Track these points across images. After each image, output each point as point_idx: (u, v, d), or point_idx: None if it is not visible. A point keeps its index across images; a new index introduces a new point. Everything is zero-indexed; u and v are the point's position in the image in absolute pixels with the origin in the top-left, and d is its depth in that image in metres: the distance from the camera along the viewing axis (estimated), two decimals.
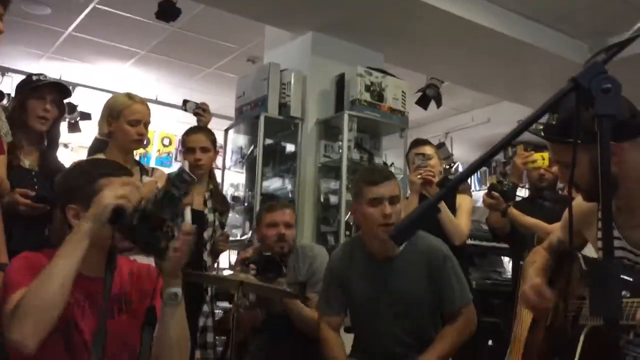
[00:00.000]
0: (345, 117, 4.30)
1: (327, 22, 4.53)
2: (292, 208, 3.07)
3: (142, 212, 1.36)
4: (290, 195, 4.40)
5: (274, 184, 4.57)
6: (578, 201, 1.67)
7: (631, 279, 1.44)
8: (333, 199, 4.33)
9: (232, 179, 5.15)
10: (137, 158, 3.03)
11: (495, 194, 3.23)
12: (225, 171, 4.79)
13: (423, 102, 5.44)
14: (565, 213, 1.90)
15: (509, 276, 3.96)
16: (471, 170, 1.03)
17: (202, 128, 3.40)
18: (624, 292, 1.47)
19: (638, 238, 1.59)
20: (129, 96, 2.76)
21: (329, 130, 4.54)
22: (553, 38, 5.11)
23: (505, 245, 3.81)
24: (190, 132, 3.24)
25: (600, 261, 1.17)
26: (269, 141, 4.56)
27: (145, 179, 2.68)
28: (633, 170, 1.54)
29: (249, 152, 4.62)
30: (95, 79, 6.57)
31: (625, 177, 1.53)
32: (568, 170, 1.53)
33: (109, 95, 3.06)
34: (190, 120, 3.83)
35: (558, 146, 1.62)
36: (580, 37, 5.23)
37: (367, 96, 4.41)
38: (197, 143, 3.12)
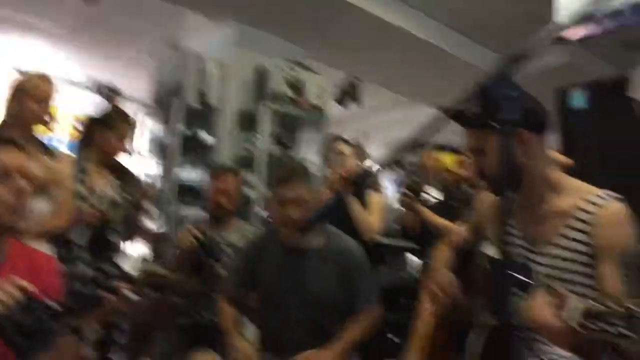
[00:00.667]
0: (265, 109, 4.29)
1: (252, 12, 4.49)
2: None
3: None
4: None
5: (189, 174, 4.48)
6: (482, 198, 1.73)
7: (527, 279, 1.51)
8: (250, 192, 4.30)
9: (148, 169, 5.01)
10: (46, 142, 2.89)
11: (410, 193, 3.32)
12: (141, 161, 4.65)
13: (342, 100, 5.51)
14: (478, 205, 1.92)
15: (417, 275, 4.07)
16: (381, 167, 1.05)
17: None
18: (519, 292, 1.54)
19: (535, 234, 1.63)
20: (37, 75, 2.63)
21: (248, 122, 4.51)
22: (471, 48, 5.30)
23: (416, 245, 3.92)
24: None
25: (497, 261, 1.22)
26: (185, 130, 4.46)
27: (47, 160, 2.55)
28: (534, 162, 1.58)
29: (164, 140, 4.51)
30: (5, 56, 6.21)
31: (531, 170, 1.58)
32: (483, 158, 1.59)
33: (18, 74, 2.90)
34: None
35: (476, 132, 1.62)
36: (496, 49, 5.46)
37: (287, 90, 4.42)
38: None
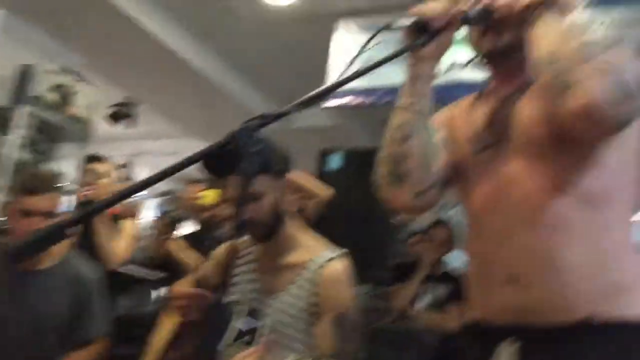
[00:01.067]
0: (22, 112, 3.93)
1: (26, 5, 4.12)
2: None
3: None
4: None
5: None
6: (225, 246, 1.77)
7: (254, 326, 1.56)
8: None
9: None
10: None
11: (165, 221, 3.27)
12: None
13: (115, 119, 5.29)
14: (216, 251, 1.94)
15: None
16: (130, 192, 1.02)
17: None
18: (246, 338, 1.58)
19: (269, 285, 1.69)
20: None
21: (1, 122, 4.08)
22: (249, 92, 5.48)
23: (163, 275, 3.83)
24: None
25: (212, 306, 1.24)
26: None
27: None
28: (289, 214, 1.69)
29: None
30: None
31: (285, 218, 1.67)
32: (248, 204, 1.63)
33: None
34: None
35: (228, 180, 1.67)
36: (269, 96, 5.72)
37: (52, 96, 4.11)
38: None
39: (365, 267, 3.79)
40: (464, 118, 1.32)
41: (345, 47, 4.03)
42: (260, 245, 1.72)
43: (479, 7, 1.26)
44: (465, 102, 1.38)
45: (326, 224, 3.75)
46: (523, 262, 1.12)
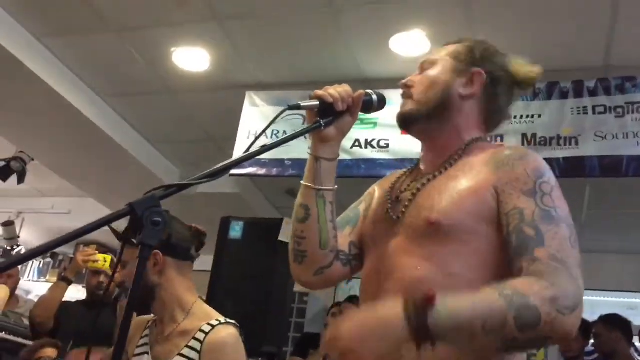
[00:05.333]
0: None
1: None
2: None
3: None
4: None
5: None
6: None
7: None
8: None
9: None
10: None
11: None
12: None
13: (3, 173, 5.02)
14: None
15: None
16: (24, 258, 0.97)
17: None
18: None
19: (161, 352, 1.69)
20: None
21: None
22: (152, 155, 5.39)
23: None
24: None
25: None
26: None
27: None
28: (169, 284, 1.69)
29: None
30: None
31: (163, 288, 1.68)
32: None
33: None
34: None
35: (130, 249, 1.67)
36: (174, 162, 5.66)
37: None
38: None
39: (262, 338, 3.74)
40: (385, 191, 1.38)
41: (253, 118, 4.10)
42: (154, 312, 1.71)
43: (380, 91, 1.37)
44: (396, 174, 1.43)
45: (225, 292, 3.70)
46: None
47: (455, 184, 1.22)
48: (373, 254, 1.30)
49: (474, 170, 1.23)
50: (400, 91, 1.38)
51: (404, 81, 1.38)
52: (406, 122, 1.35)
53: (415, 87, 1.35)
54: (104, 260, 3.27)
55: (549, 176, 1.19)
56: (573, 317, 0.99)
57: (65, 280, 3.28)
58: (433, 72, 1.36)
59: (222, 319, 1.68)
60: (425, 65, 1.39)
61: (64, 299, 3.31)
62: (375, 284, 1.23)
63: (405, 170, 1.43)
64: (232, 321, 1.69)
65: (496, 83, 1.35)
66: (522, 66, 1.38)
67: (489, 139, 1.41)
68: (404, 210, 1.26)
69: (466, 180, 1.22)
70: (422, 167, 1.36)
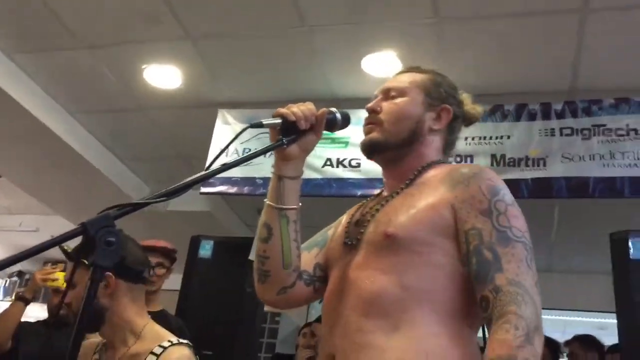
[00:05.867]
0: None
1: None
2: None
3: None
4: None
5: None
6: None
7: None
8: None
9: None
10: None
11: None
12: None
13: None
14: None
15: None
16: None
17: None
18: None
19: None
20: None
21: None
22: (122, 173, 5.33)
23: None
24: None
25: None
26: None
27: None
28: (120, 308, 1.64)
29: None
30: None
31: (114, 312, 1.62)
32: (72, 291, 1.60)
33: None
34: None
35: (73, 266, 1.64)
36: (145, 180, 5.60)
37: None
38: None
39: (232, 359, 3.69)
40: (350, 214, 1.40)
41: (225, 135, 4.08)
42: (104, 336, 1.66)
43: (347, 110, 1.38)
44: (362, 202, 1.45)
45: (194, 312, 3.65)
46: (340, 343, 1.18)
47: (412, 200, 1.25)
48: (334, 275, 1.31)
49: (431, 187, 1.26)
50: None
51: (370, 105, 1.40)
52: (373, 150, 1.37)
53: (384, 116, 1.37)
54: (63, 279, 3.15)
55: (504, 193, 1.21)
56: (538, 337, 1.05)
57: (22, 300, 3.17)
58: (403, 102, 1.38)
59: (175, 339, 1.63)
60: (391, 92, 1.40)
61: (25, 319, 3.22)
62: (335, 302, 1.24)
63: (370, 198, 1.45)
64: (185, 341, 1.65)
65: (455, 118, 1.42)
66: (468, 103, 1.47)
67: (451, 159, 1.43)
68: (362, 230, 1.28)
69: (423, 197, 1.25)
70: (384, 192, 1.39)
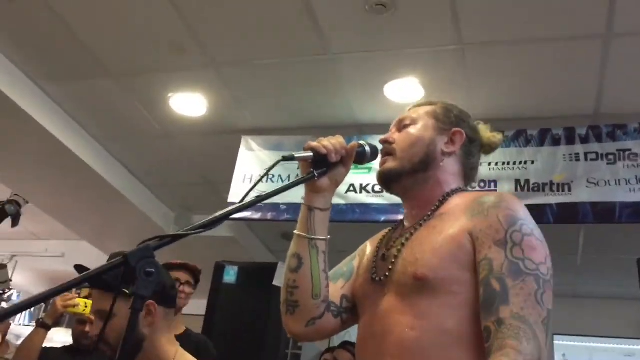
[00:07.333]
0: None
1: None
2: None
3: None
4: None
5: None
6: None
7: None
8: None
9: None
10: None
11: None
12: None
13: None
14: None
15: None
16: (26, 304, 0.96)
17: None
18: None
19: None
20: None
21: None
22: (147, 199, 5.40)
23: None
24: None
25: None
26: None
27: None
28: (157, 336, 1.61)
29: None
30: None
31: (151, 340, 1.60)
32: (109, 321, 1.56)
33: None
34: None
35: (100, 294, 1.62)
36: (170, 206, 5.66)
37: None
38: None
39: None
40: (375, 246, 1.39)
41: (249, 162, 4.13)
42: None
43: (372, 143, 1.40)
44: (384, 232, 1.44)
45: (218, 337, 3.66)
46: None
47: (435, 234, 1.24)
48: (366, 315, 1.30)
49: (453, 218, 1.26)
50: None
51: (384, 137, 1.42)
52: (389, 179, 1.38)
53: (398, 144, 1.38)
54: (84, 306, 3.13)
55: (522, 223, 1.19)
56: None
57: (43, 326, 3.16)
58: (415, 129, 1.39)
59: None
60: (404, 123, 1.42)
61: (50, 345, 3.23)
62: (372, 347, 1.23)
63: (390, 228, 1.45)
64: None
65: (471, 142, 1.42)
66: (486, 131, 1.47)
67: (470, 188, 1.43)
68: (390, 267, 1.27)
69: (445, 229, 1.24)
70: (406, 223, 1.38)
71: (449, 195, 1.34)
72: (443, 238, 1.22)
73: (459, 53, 3.44)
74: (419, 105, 1.48)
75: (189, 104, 4.16)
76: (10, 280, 6.40)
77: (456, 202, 1.31)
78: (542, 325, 1.08)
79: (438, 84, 3.62)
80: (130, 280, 0.98)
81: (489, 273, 1.13)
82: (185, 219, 5.57)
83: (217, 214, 1.10)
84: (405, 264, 1.24)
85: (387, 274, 1.27)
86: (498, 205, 1.21)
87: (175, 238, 1.04)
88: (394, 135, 1.41)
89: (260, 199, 1.19)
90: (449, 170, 1.38)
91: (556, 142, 3.58)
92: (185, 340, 2.96)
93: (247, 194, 1.21)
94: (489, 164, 3.58)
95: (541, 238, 1.19)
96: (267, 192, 1.22)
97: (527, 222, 1.20)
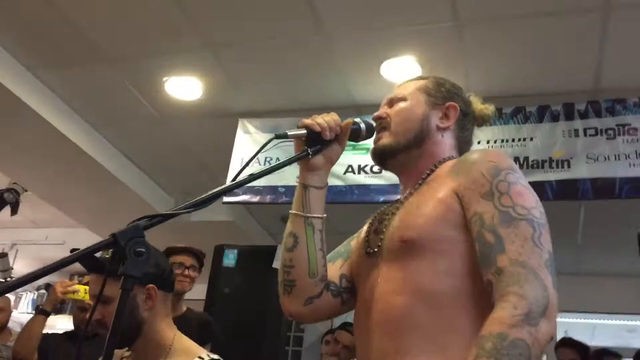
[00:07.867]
0: None
1: None
2: None
3: None
4: None
5: None
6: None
7: None
8: None
9: None
10: None
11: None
12: None
13: None
14: None
15: None
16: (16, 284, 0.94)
17: None
18: None
19: None
20: None
21: None
22: (146, 184, 5.38)
23: None
24: None
25: None
26: None
27: None
28: (157, 320, 1.59)
29: None
30: None
31: (150, 324, 1.58)
32: (105, 306, 1.54)
33: None
34: None
35: (97, 278, 1.59)
36: (169, 191, 5.65)
37: None
38: None
39: None
40: (370, 223, 1.38)
41: (246, 145, 4.10)
42: (132, 352, 1.64)
43: (368, 119, 1.38)
44: (382, 209, 1.42)
45: (219, 321, 3.66)
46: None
47: (424, 199, 1.23)
48: (360, 289, 1.30)
49: (439, 182, 1.25)
50: None
51: (377, 114, 1.40)
52: (384, 156, 1.36)
53: (392, 118, 1.36)
54: (84, 292, 3.13)
55: (506, 172, 1.16)
56: (546, 321, 0.99)
57: (43, 313, 3.18)
58: (407, 104, 1.38)
59: (205, 355, 1.61)
60: (394, 100, 1.41)
61: (50, 331, 3.24)
62: (363, 317, 1.23)
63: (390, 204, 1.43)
64: (216, 356, 1.63)
65: (464, 116, 1.40)
66: (478, 103, 1.45)
67: None
68: (381, 237, 1.26)
69: (433, 192, 1.23)
70: (401, 198, 1.36)
71: (440, 163, 1.33)
72: (432, 201, 1.20)
73: (456, 30, 3.39)
74: (409, 81, 1.46)
75: (185, 87, 4.13)
76: (12, 269, 6.42)
77: (444, 167, 1.30)
78: (544, 267, 1.04)
79: (435, 61, 3.58)
80: (123, 262, 0.96)
81: (481, 227, 1.10)
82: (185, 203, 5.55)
83: (207, 194, 1.08)
84: (393, 230, 1.23)
85: (379, 244, 1.26)
86: (480, 160, 1.20)
87: (165, 217, 1.03)
88: (387, 110, 1.39)
89: (252, 177, 1.18)
90: (444, 144, 1.37)
91: (555, 118, 3.55)
92: (187, 319, 2.95)
93: (239, 173, 1.19)
94: (488, 141, 3.55)
95: (528, 186, 1.17)
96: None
97: (512, 171, 1.17)
